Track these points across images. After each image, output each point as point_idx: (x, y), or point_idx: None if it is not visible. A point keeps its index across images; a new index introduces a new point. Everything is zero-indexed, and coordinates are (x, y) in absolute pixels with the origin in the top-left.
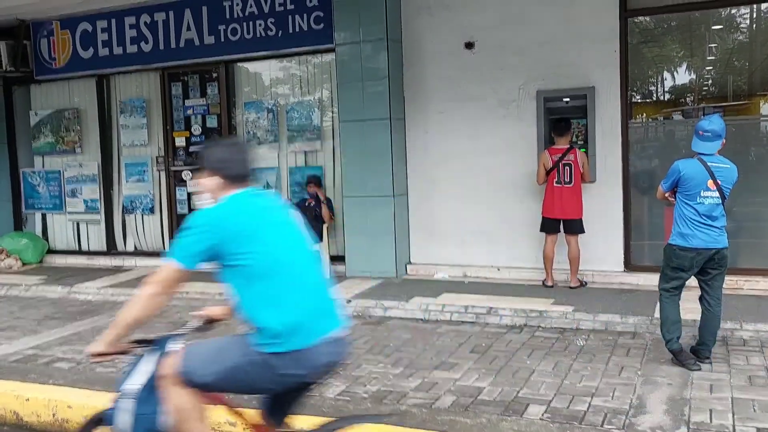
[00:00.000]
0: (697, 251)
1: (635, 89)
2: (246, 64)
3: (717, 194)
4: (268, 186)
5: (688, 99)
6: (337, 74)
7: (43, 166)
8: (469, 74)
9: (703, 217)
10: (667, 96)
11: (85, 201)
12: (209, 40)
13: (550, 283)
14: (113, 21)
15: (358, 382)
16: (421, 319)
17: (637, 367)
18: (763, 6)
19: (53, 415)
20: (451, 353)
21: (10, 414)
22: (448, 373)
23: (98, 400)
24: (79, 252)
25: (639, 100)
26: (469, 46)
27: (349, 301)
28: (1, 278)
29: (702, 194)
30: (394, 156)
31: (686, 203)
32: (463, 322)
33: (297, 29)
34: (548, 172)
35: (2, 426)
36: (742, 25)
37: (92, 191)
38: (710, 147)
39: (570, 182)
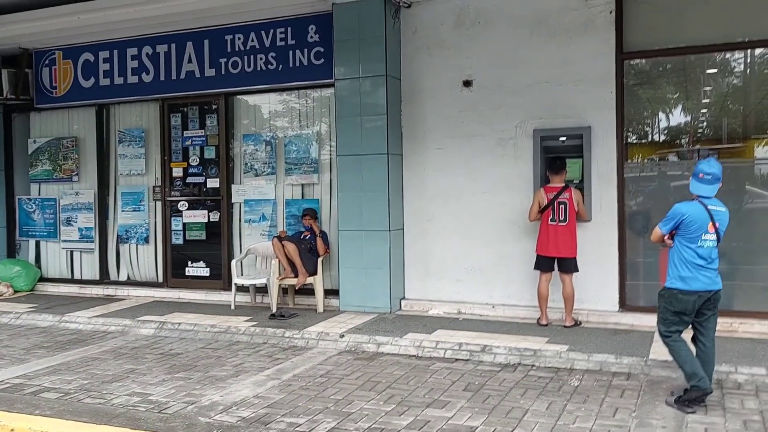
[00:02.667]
0: (698, 294)
1: (631, 130)
2: (246, 97)
3: (715, 237)
4: (264, 218)
5: (683, 140)
6: (335, 109)
7: (39, 194)
8: (466, 112)
9: (703, 260)
10: (662, 137)
11: (80, 229)
12: (210, 72)
13: (544, 322)
14: (115, 51)
15: (349, 418)
16: (415, 356)
17: (631, 409)
18: (757, 51)
19: None
20: (444, 391)
21: None
22: (440, 411)
23: None
24: (72, 280)
25: (635, 141)
26: (467, 84)
27: (342, 336)
28: None
29: (703, 237)
30: (390, 191)
31: (687, 246)
32: (456, 359)
33: (297, 64)
34: (543, 210)
35: None
36: (736, 69)
37: (87, 220)
38: (710, 190)
39: (565, 220)
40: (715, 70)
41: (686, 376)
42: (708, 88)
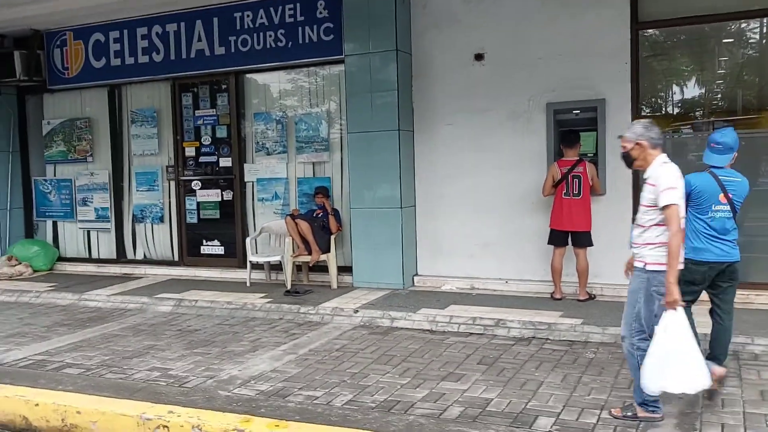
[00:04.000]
0: (709, 265)
1: (645, 102)
2: (255, 75)
3: (728, 208)
4: (276, 197)
5: (698, 113)
6: (345, 85)
7: (55, 175)
8: (478, 86)
9: (715, 231)
10: (676, 109)
11: (95, 209)
12: (219, 50)
13: (558, 296)
14: (125, 32)
15: (365, 391)
16: (429, 330)
17: None
18: None
19: (62, 420)
20: (459, 364)
21: (19, 418)
22: (455, 383)
23: (107, 406)
24: (89, 260)
25: (649, 113)
26: (479, 57)
27: (356, 311)
28: (12, 285)
29: (714, 208)
30: (402, 168)
31: (698, 217)
32: (470, 333)
33: (307, 40)
34: (557, 185)
35: (12, 430)
36: (752, 39)
37: (103, 200)
38: (721, 160)
39: (579, 194)
40: (730, 40)
41: None
42: (723, 59)
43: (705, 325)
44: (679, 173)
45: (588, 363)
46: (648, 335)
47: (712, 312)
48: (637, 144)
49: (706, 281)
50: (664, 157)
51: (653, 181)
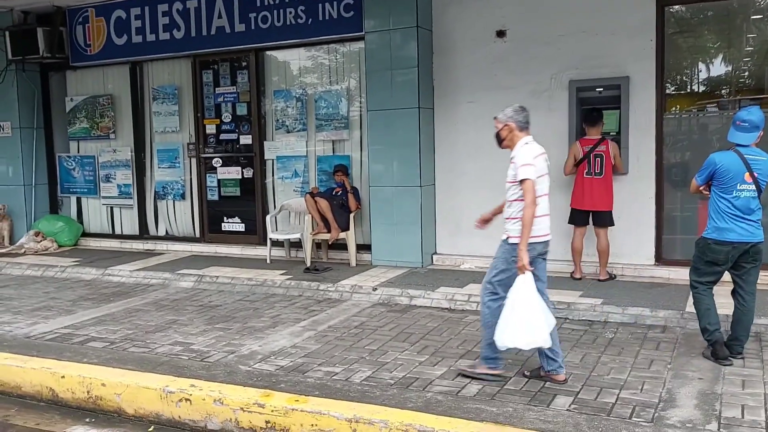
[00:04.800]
0: (732, 245)
1: (670, 80)
2: (275, 53)
3: (753, 187)
4: (296, 174)
5: (724, 91)
6: (366, 62)
7: (78, 151)
8: (499, 63)
9: (739, 211)
10: (702, 88)
11: (118, 186)
12: (240, 27)
13: (578, 276)
14: (146, 8)
15: (383, 368)
16: (447, 309)
17: (667, 361)
18: None
19: (87, 392)
20: (477, 343)
21: (46, 390)
22: (474, 361)
23: (131, 379)
24: (113, 236)
25: (674, 92)
26: (501, 34)
27: (374, 289)
28: (37, 259)
29: (738, 187)
30: (421, 146)
31: (722, 197)
32: None
33: (327, 17)
34: (578, 164)
35: (39, 401)
36: None
37: (125, 176)
38: (747, 138)
39: (601, 173)
40: (759, 17)
41: (700, 329)
42: (751, 36)
43: (727, 306)
44: (536, 153)
45: (607, 343)
46: (501, 297)
47: (734, 293)
48: (506, 125)
49: (729, 261)
50: (528, 138)
51: (514, 160)
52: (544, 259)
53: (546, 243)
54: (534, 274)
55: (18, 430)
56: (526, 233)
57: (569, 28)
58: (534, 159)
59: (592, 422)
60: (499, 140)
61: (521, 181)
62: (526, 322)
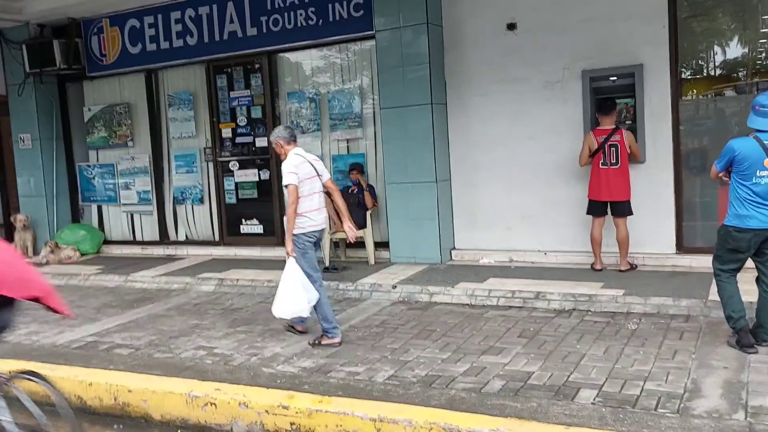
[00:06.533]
0: (754, 232)
1: (685, 65)
2: (287, 54)
3: None
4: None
5: (740, 74)
6: (377, 61)
7: (98, 160)
8: (511, 56)
9: (760, 198)
10: (718, 71)
11: (137, 193)
12: (252, 31)
13: (598, 267)
14: (159, 16)
15: (406, 366)
16: (468, 305)
17: (691, 351)
18: None
19: (114, 399)
20: (499, 338)
21: (74, 398)
22: (496, 357)
23: (157, 385)
24: (134, 242)
25: (689, 77)
26: (512, 27)
27: (394, 287)
28: (61, 269)
29: (758, 174)
30: (436, 141)
31: (741, 183)
32: (510, 307)
33: (337, 17)
34: (593, 154)
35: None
36: None
37: (144, 183)
38: (767, 123)
39: (617, 163)
40: None
41: (725, 317)
42: (767, 16)
43: (751, 293)
44: (300, 162)
45: (630, 334)
46: (313, 277)
47: (758, 280)
48: (277, 143)
49: (751, 248)
50: (296, 150)
51: (282, 168)
52: (318, 248)
53: (321, 231)
54: (310, 258)
55: None
56: (290, 227)
57: (580, 17)
58: (296, 167)
59: (618, 415)
60: (278, 155)
61: (286, 186)
62: (290, 296)
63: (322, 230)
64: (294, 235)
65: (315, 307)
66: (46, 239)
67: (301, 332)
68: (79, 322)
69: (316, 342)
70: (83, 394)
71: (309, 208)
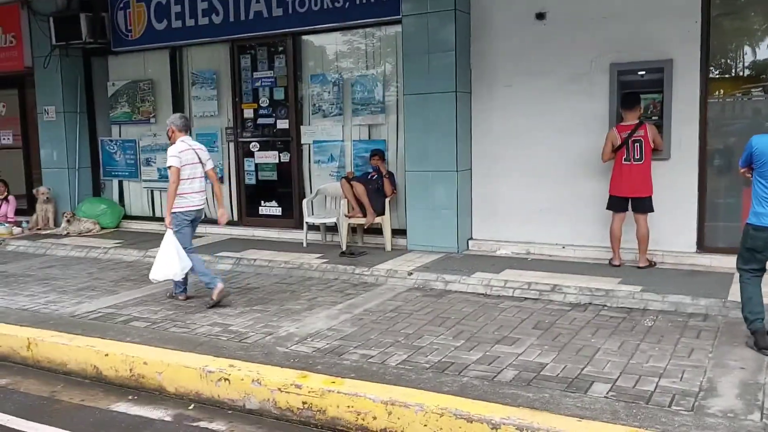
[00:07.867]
0: None
1: (714, 63)
2: (312, 37)
3: None
4: (332, 159)
5: None
6: (402, 46)
7: (120, 135)
8: (538, 47)
9: None
10: (747, 71)
11: (158, 169)
12: (277, 12)
13: (617, 262)
14: None
15: (419, 352)
16: (483, 294)
17: (708, 350)
18: None
19: (130, 370)
20: (514, 328)
21: (90, 368)
22: (510, 347)
23: (172, 358)
24: (153, 218)
25: (717, 76)
26: (540, 17)
27: (410, 274)
28: (81, 241)
29: None
30: (458, 130)
31: (759, 181)
32: (525, 298)
33: (364, 1)
34: (616, 150)
35: (84, 378)
36: None
37: (165, 160)
38: None
39: (640, 159)
40: None
41: (743, 317)
42: None
43: None
44: (184, 148)
45: (646, 330)
46: (189, 249)
47: None
48: (170, 128)
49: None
50: (184, 137)
51: (167, 152)
52: (195, 225)
53: (198, 211)
54: (185, 233)
55: (64, 406)
56: (170, 203)
57: (611, 10)
58: (180, 153)
59: (630, 410)
60: (169, 137)
61: (168, 167)
62: (164, 262)
63: (200, 210)
64: (173, 213)
65: (196, 274)
66: (66, 211)
67: (185, 300)
68: (97, 293)
69: (211, 302)
70: (99, 365)
71: (189, 190)
